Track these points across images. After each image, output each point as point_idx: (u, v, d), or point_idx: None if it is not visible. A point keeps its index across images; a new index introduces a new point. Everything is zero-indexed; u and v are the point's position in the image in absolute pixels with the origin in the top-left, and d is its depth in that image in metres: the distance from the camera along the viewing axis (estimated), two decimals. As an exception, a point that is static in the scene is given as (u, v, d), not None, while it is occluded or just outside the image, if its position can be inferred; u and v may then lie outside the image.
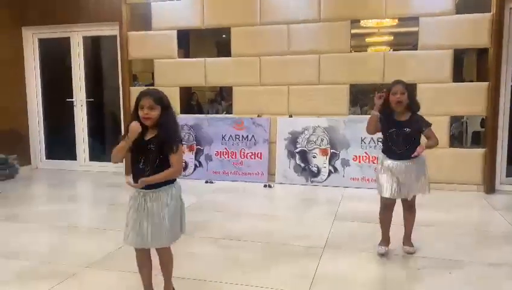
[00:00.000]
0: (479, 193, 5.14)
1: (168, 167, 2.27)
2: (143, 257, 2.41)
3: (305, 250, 3.35)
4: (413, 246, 3.24)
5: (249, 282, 2.79)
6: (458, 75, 5.36)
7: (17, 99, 6.69)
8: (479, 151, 5.25)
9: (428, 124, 3.03)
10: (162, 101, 2.27)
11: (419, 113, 3.08)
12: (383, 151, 3.16)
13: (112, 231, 3.78)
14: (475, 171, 5.21)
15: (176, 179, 2.37)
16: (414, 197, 3.14)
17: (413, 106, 3.03)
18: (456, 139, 6.04)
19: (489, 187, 5.14)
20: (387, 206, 3.14)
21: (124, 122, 6.31)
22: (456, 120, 5.50)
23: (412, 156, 2.93)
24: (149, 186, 2.25)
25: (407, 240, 3.25)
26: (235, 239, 3.60)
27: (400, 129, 3.01)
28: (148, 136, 2.27)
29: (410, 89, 3.04)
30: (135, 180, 2.27)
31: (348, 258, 3.19)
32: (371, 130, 3.15)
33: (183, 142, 5.98)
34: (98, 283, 2.86)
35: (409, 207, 3.18)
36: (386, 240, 3.21)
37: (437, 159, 5.25)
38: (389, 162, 3.06)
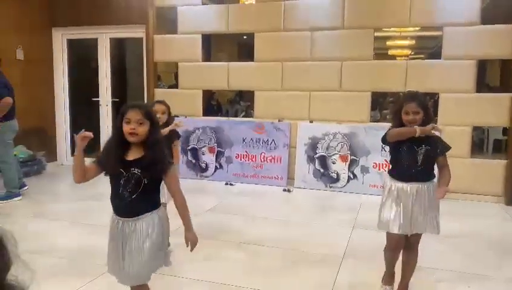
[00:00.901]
0: (499, 204, 5.12)
1: (153, 193, 2.00)
2: None
3: (324, 258, 3.42)
4: None
5: (269, 288, 2.88)
6: (481, 84, 5.34)
7: (46, 98, 6.92)
8: (501, 163, 5.23)
9: (448, 148, 2.55)
10: (151, 115, 2.00)
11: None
12: (391, 172, 2.66)
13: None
14: (496, 182, 5.19)
15: (159, 204, 2.06)
16: (419, 236, 2.63)
17: (428, 123, 2.52)
18: (477, 147, 6.01)
19: (510, 199, 5.11)
20: (396, 243, 2.61)
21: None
22: (477, 127, 5.47)
23: (437, 198, 2.48)
24: (128, 214, 1.96)
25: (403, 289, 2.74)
26: (255, 244, 3.69)
27: (417, 146, 2.51)
28: (131, 157, 1.96)
29: (426, 102, 2.58)
30: (115, 209, 2.02)
31: (367, 268, 3.23)
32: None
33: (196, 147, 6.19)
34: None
35: (411, 247, 2.64)
36: (390, 275, 2.78)
37: (457, 169, 5.23)
38: (398, 185, 2.55)
